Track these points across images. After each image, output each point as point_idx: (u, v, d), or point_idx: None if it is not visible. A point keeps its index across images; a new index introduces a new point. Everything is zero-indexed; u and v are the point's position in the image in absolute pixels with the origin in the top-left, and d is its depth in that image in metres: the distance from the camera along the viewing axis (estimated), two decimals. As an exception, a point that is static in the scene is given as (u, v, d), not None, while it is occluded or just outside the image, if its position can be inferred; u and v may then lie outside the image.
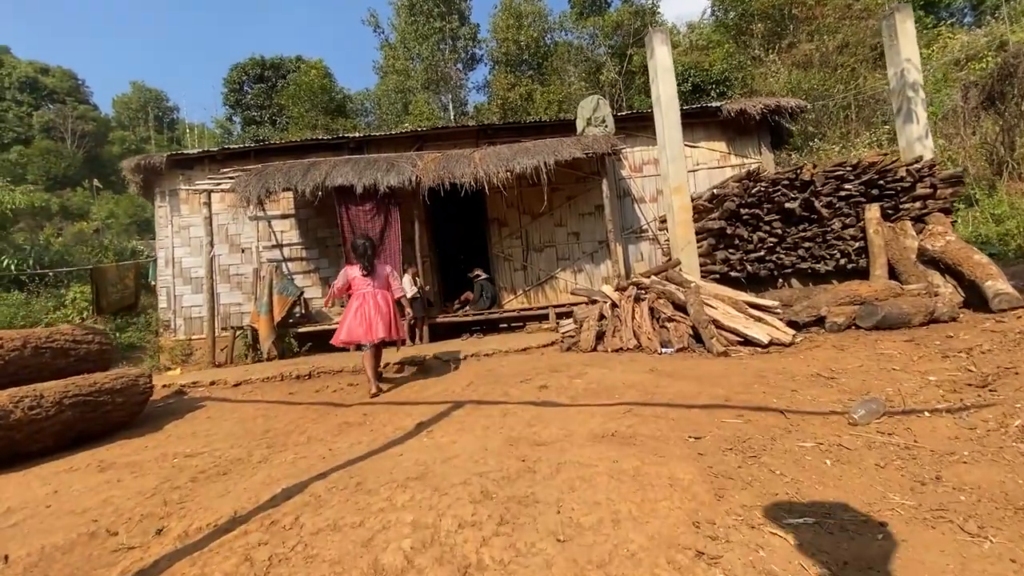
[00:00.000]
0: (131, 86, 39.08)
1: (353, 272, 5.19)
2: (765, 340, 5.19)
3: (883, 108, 16.94)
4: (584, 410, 3.51)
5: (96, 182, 25.14)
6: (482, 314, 9.50)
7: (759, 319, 5.69)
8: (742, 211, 6.87)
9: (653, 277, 6.70)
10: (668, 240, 8.28)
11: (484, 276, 10.10)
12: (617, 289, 6.66)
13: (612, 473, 2.47)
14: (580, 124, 10.09)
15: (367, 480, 2.62)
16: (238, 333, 9.59)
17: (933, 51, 18.62)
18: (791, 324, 5.78)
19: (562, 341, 6.42)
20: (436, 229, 11.15)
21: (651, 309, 6.00)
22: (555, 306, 9.43)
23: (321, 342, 9.41)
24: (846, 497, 2.22)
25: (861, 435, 2.78)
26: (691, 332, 5.57)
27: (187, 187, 10.21)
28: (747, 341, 5.33)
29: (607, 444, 2.89)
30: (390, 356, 6.44)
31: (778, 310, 5.94)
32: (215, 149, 10.76)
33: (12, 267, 15.55)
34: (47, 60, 42.16)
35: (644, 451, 2.74)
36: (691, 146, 10.70)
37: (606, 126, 10.00)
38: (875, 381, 3.68)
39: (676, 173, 7.33)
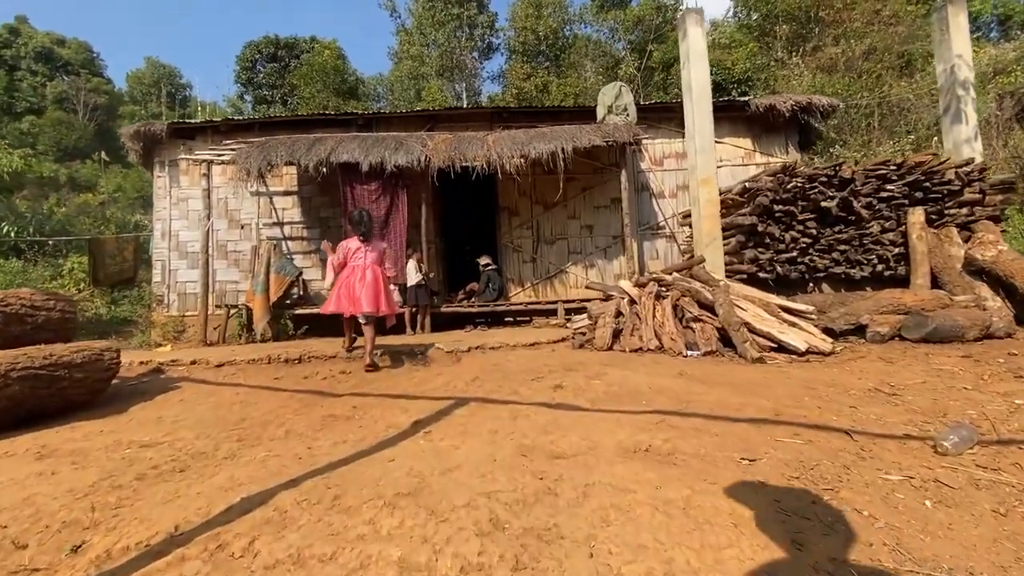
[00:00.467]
0: (145, 61, 38.56)
1: (350, 244, 5.17)
2: (802, 347, 4.63)
3: (907, 117, 16.30)
4: (608, 417, 2.97)
5: (104, 155, 24.64)
6: (488, 306, 8.95)
7: (793, 324, 5.12)
8: (775, 207, 6.30)
9: (676, 274, 6.14)
10: (690, 237, 7.71)
11: (492, 266, 9.55)
12: (636, 285, 6.10)
13: (656, 503, 1.92)
14: (600, 112, 9.51)
15: (347, 492, 2.09)
16: (232, 312, 9.07)
17: None
18: (827, 331, 5.22)
19: (573, 338, 5.87)
20: (444, 215, 10.60)
21: (674, 307, 5.44)
22: (564, 301, 8.88)
23: (319, 325, 8.89)
24: (967, 556, 1.68)
25: (959, 469, 2.23)
26: (718, 335, 5.02)
27: (187, 157, 9.67)
28: (782, 347, 4.77)
29: (642, 462, 2.34)
30: (392, 343, 5.92)
31: (812, 315, 5.38)
32: (218, 120, 10.21)
33: (12, 234, 15.10)
34: (64, 31, 41.61)
35: (689, 474, 2.19)
36: (716, 141, 10.07)
37: (628, 115, 9.42)
38: (949, 402, 3.12)
39: (705, 164, 6.76)
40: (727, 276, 6.41)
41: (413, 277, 8.33)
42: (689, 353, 4.66)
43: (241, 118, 10.22)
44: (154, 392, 4.23)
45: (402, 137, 8.98)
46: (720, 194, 6.78)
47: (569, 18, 22.78)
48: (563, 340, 5.99)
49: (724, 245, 6.47)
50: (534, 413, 3.09)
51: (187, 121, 10.16)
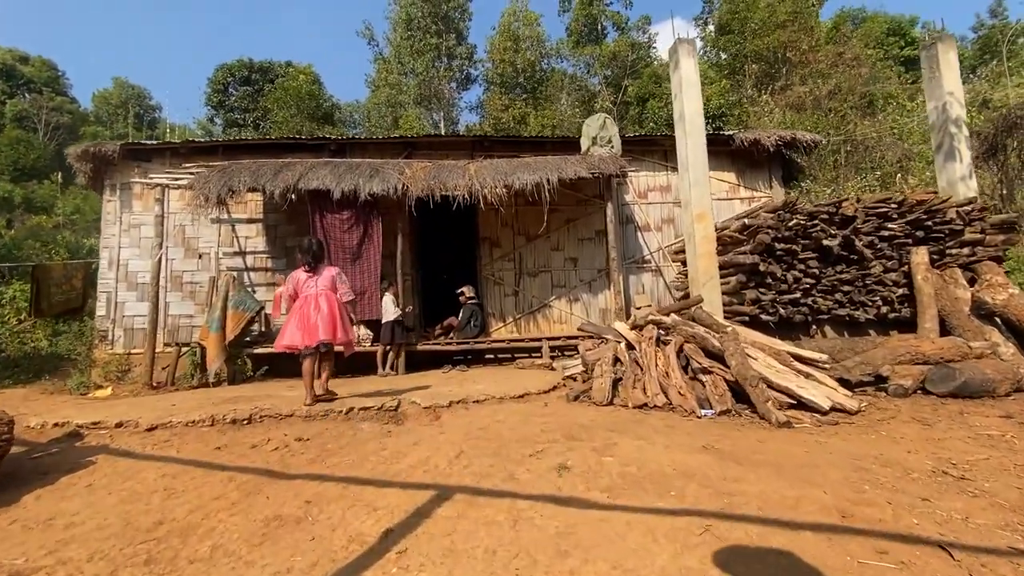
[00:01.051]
0: (113, 82, 37.13)
1: (297, 274, 4.94)
2: (826, 406, 4.07)
3: (871, 155, 16.53)
4: (636, 521, 2.29)
5: (60, 176, 23.18)
6: (468, 343, 8.23)
7: (808, 375, 4.58)
8: (776, 246, 5.83)
9: (674, 316, 5.56)
10: (682, 274, 7.20)
11: (474, 299, 8.86)
12: (633, 327, 5.50)
13: None
14: (585, 143, 9.07)
15: None
16: (184, 350, 8.10)
17: (916, 104, 18.38)
18: (842, 382, 4.68)
19: (566, 386, 5.21)
20: (421, 245, 9.91)
21: (678, 354, 4.84)
22: (549, 338, 8.23)
23: (280, 365, 8.03)
24: None
25: None
26: (730, 388, 4.42)
27: (141, 180, 8.77)
28: (800, 404, 4.20)
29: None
30: (360, 386, 5.14)
31: (826, 365, 4.85)
32: (177, 142, 9.37)
33: (-52, 258, 13.69)
34: (28, 49, 39.99)
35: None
36: (699, 174, 9.76)
37: (612, 146, 9.00)
38: (1040, 491, 2.55)
39: (700, 198, 6.29)
40: (726, 317, 5.88)
41: (391, 312, 7.57)
42: (704, 413, 4.04)
43: (202, 140, 9.41)
44: (61, 470, 3.36)
45: (378, 164, 8.32)
46: (716, 231, 6.29)
47: (546, 52, 22.79)
48: (554, 389, 5.30)
49: (723, 284, 5.96)
50: (539, 514, 2.38)
51: (142, 142, 9.29)
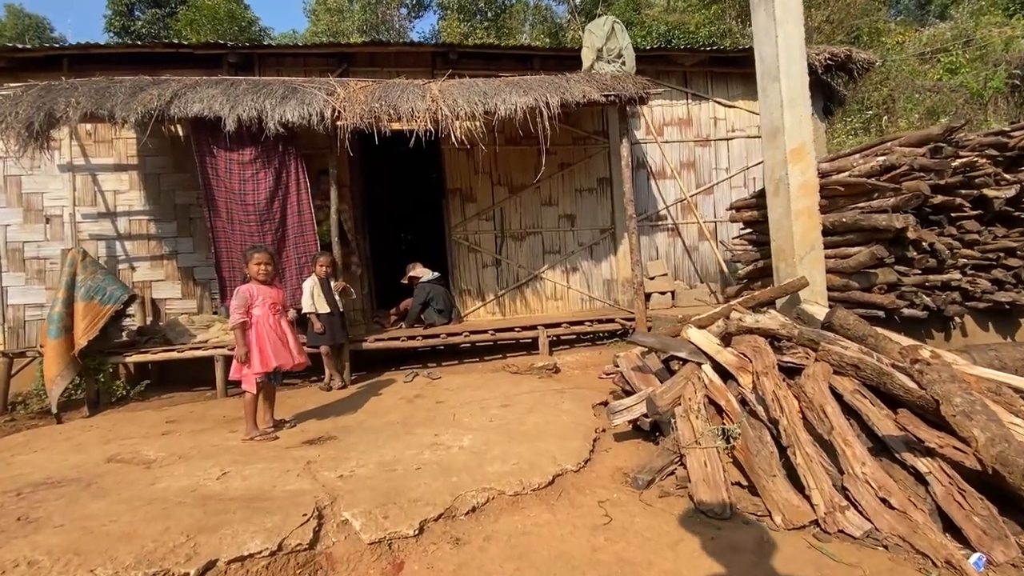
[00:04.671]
0: (6, 10, 30.39)
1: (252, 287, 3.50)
2: None
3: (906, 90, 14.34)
4: None
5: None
6: (437, 335, 5.76)
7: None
8: (928, 201, 3.56)
9: (773, 312, 3.28)
10: (749, 240, 4.90)
11: (430, 276, 6.32)
12: (721, 337, 3.18)
13: None
14: (587, 56, 6.41)
15: None
16: (34, 358, 5.31)
17: (892, 45, 16.30)
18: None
19: (604, 442, 2.90)
20: (366, 200, 7.17)
21: (837, 398, 2.55)
22: (546, 324, 5.88)
23: (177, 375, 5.45)
24: None
25: None
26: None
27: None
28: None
29: None
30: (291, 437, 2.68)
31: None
32: (-13, 46, 6.09)
33: None
34: None
35: None
36: (726, 105, 7.35)
37: (623, 62, 6.39)
38: None
39: (796, 124, 3.91)
40: (848, 310, 3.65)
41: (321, 301, 4.96)
42: (975, 562, 1.82)
43: (36, 48, 6.13)
44: None
45: (295, 82, 5.44)
46: (821, 176, 3.96)
47: (509, -27, 19.17)
48: (594, 451, 2.97)
49: (844, 260, 3.69)
50: None
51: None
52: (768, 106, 4.07)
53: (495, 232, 6.76)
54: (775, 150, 3.99)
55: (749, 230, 4.78)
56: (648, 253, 7.03)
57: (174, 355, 5.21)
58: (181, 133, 5.87)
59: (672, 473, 2.55)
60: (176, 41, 6.20)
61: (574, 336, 6.12)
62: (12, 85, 5.75)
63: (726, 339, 3.18)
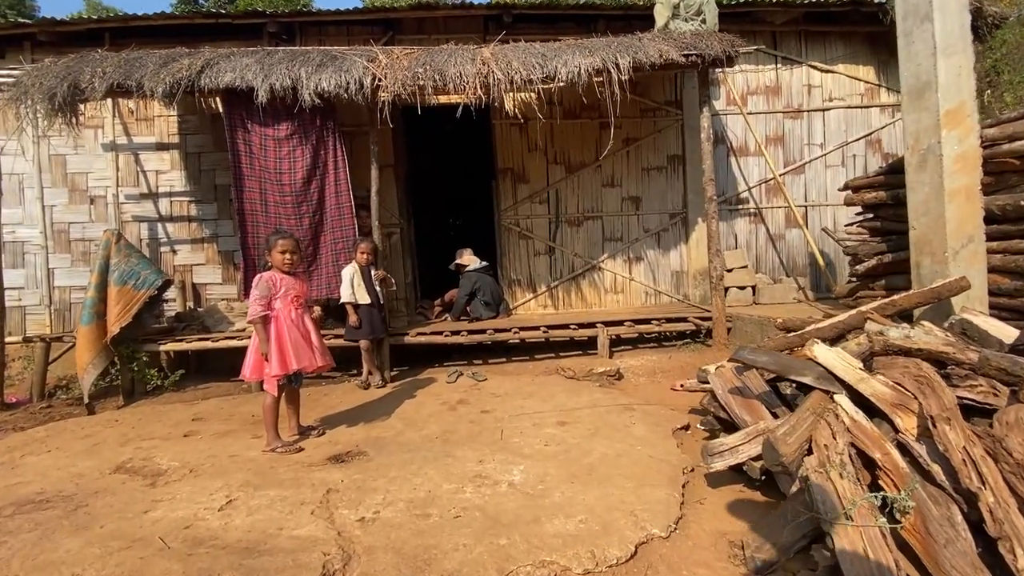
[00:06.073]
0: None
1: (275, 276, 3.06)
2: None
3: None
4: None
5: None
6: (484, 330, 5.15)
7: None
8: None
9: (929, 326, 2.43)
10: (868, 228, 3.97)
11: (477, 265, 5.70)
12: (866, 359, 2.37)
13: None
14: (661, 14, 5.52)
15: None
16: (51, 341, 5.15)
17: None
18: None
19: (704, 496, 2.19)
20: (412, 180, 6.63)
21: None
22: (606, 323, 5.14)
23: (214, 364, 5.18)
24: None
25: None
26: None
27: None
28: None
29: None
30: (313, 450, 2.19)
31: None
32: (30, 21, 5.92)
33: None
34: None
35: None
36: (823, 69, 6.25)
37: (703, 20, 5.46)
38: None
39: (953, 75, 2.97)
40: (1003, 319, 2.73)
41: (361, 291, 4.45)
42: None
43: (74, 20, 5.90)
44: None
45: (334, 50, 4.90)
46: (985, 145, 3.00)
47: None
48: (683, 506, 2.28)
49: (1016, 256, 2.76)
50: None
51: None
52: (913, 54, 3.12)
53: (549, 216, 6.05)
54: (922, 112, 3.05)
55: (871, 215, 3.83)
56: (726, 241, 6.11)
57: (208, 344, 4.89)
58: (220, 108, 5.51)
59: (804, 549, 1.81)
60: (224, 12, 5.88)
61: (636, 335, 5.35)
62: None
63: (866, 360, 2.37)
